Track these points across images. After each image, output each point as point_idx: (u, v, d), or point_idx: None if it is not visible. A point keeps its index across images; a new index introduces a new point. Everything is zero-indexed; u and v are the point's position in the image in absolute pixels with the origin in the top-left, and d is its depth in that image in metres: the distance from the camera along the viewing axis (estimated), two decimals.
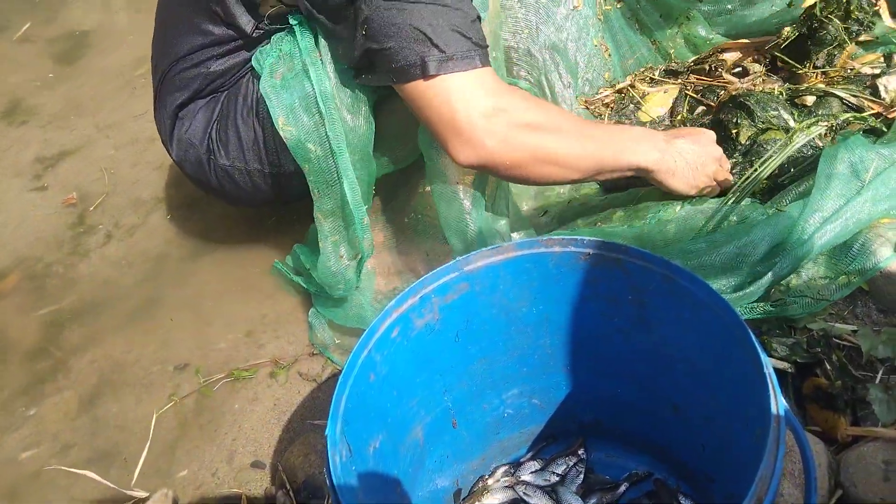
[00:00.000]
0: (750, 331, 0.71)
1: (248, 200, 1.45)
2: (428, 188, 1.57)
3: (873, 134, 1.34)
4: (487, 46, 1.08)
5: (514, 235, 1.32)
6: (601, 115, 1.62)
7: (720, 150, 1.26)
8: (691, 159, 1.20)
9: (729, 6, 1.71)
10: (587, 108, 1.63)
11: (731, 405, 0.80)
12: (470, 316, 0.92)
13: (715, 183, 1.26)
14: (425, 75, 1.02)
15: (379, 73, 1.08)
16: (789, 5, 1.61)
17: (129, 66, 2.43)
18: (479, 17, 1.09)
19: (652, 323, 0.87)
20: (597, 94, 1.66)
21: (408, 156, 1.37)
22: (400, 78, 1.05)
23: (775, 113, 1.34)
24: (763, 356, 0.70)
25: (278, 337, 1.48)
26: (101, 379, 1.48)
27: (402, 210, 1.49)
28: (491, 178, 1.26)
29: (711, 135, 1.27)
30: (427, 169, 1.23)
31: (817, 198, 1.17)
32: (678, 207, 1.22)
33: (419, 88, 1.04)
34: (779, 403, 0.67)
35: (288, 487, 1.19)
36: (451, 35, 1.01)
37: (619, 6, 1.71)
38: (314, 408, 1.33)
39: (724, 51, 1.71)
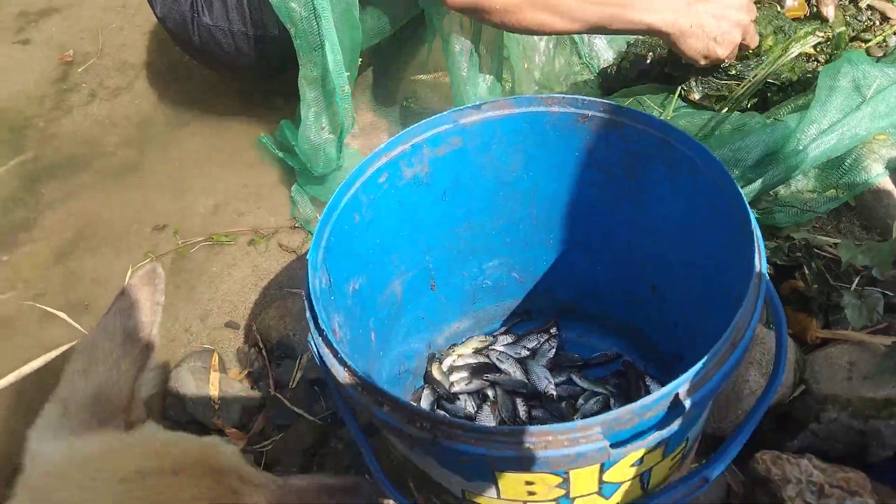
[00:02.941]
0: (741, 191, 0.71)
1: (231, 65, 1.40)
2: (427, 74, 1.55)
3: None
4: None
5: None
6: None
7: (746, 15, 1.16)
8: (710, 29, 1.12)
9: None
10: None
11: (712, 274, 0.80)
12: (459, 174, 0.90)
13: (733, 53, 1.19)
14: None
15: None
16: None
17: None
18: None
19: (645, 192, 0.86)
20: None
21: (395, 20, 1.32)
22: None
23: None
24: (751, 214, 0.69)
25: (259, 208, 1.46)
26: (77, 233, 1.46)
27: (393, 92, 1.46)
28: (493, 56, 1.23)
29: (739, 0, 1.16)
30: (428, 29, 1.19)
31: (816, 109, 1.16)
32: (671, 108, 1.20)
33: None
34: (762, 259, 0.67)
35: (261, 346, 1.20)
36: None
37: None
38: (293, 277, 1.33)
39: None
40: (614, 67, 1.49)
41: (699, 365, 0.57)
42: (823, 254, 1.13)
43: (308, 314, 0.68)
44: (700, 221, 0.80)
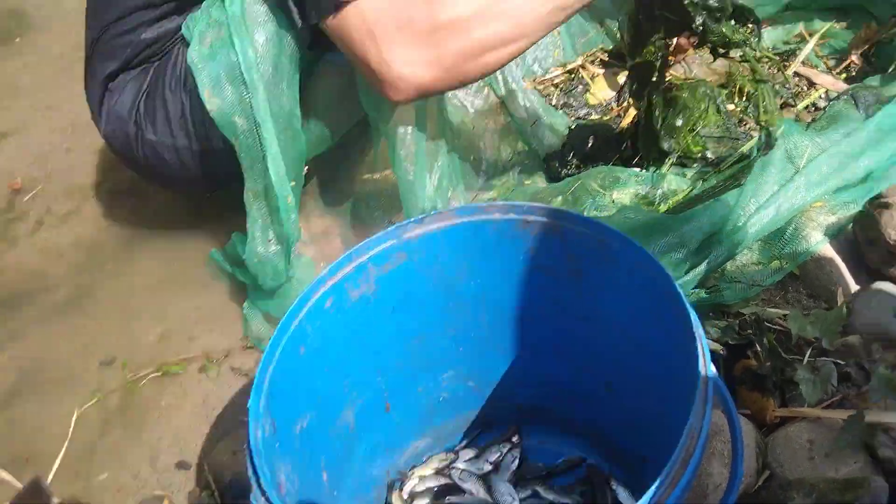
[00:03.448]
0: (681, 291, 0.72)
1: (178, 180, 1.40)
2: (375, 174, 1.57)
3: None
4: None
5: None
6: (550, 95, 1.64)
7: None
8: None
9: None
10: (536, 89, 1.64)
11: (662, 374, 0.80)
12: (408, 288, 0.90)
13: None
14: (328, 13, 0.98)
15: (307, 13, 1.04)
16: None
17: (70, 47, 2.33)
18: None
19: (589, 292, 0.86)
20: (546, 73, 1.67)
21: (338, 127, 1.33)
22: (315, 15, 1.01)
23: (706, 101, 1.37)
24: (693, 316, 0.70)
25: (211, 330, 1.43)
26: (20, 378, 1.40)
27: (343, 196, 1.47)
28: (439, 154, 1.25)
29: None
30: (373, 132, 1.20)
31: (752, 184, 1.19)
32: (613, 194, 1.23)
33: (332, 24, 1.00)
34: (707, 363, 0.67)
35: (213, 488, 1.14)
36: None
37: None
38: (246, 404, 1.29)
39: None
40: (559, 152, 1.53)
41: (651, 491, 0.56)
42: (774, 327, 1.14)
43: (250, 471, 0.66)
44: (644, 320, 0.80)
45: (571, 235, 0.83)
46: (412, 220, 0.85)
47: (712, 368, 0.69)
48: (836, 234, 1.22)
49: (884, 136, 1.24)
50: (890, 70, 1.47)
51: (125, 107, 1.31)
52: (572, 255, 0.85)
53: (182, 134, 1.29)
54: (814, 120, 1.35)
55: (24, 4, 2.67)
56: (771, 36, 1.67)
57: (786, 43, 1.67)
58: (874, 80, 1.45)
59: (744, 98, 1.46)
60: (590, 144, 1.41)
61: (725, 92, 1.43)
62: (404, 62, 0.97)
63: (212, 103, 1.16)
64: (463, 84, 1.07)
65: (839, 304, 1.15)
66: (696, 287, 1.18)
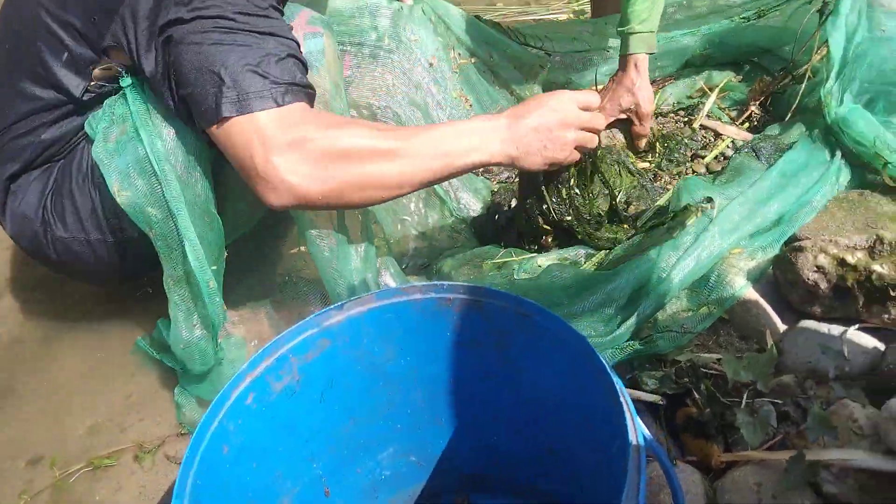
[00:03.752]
0: (604, 360, 0.72)
1: (94, 274, 1.36)
2: (301, 248, 1.54)
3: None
4: (296, 84, 1.03)
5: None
6: None
7: (575, 110, 1.15)
8: (542, 136, 1.12)
9: (578, 49, 1.80)
10: None
11: (597, 440, 0.80)
12: (333, 374, 0.88)
13: (575, 152, 1.18)
14: (220, 118, 0.98)
15: (194, 120, 1.05)
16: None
17: None
18: (292, 56, 1.05)
19: (516, 364, 0.86)
20: None
21: (256, 208, 1.32)
22: (203, 122, 1.02)
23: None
24: (618, 384, 0.70)
25: (143, 419, 1.37)
26: None
27: (269, 273, 1.44)
28: (361, 226, 1.24)
29: (562, 96, 1.15)
30: (296, 218, 1.19)
31: (669, 238, 1.22)
32: (538, 260, 1.24)
33: (220, 132, 1.00)
34: (637, 431, 0.67)
35: None
36: (246, 75, 0.99)
37: (473, 61, 1.77)
38: None
39: None
40: (483, 217, 1.54)
41: None
42: (711, 372, 1.16)
43: None
44: (571, 388, 0.80)
45: (493, 310, 0.83)
46: (332, 307, 0.84)
47: (645, 432, 0.69)
48: (758, 278, 1.26)
49: (788, 181, 1.30)
50: (786, 118, 1.55)
51: (31, 207, 1.27)
52: (495, 329, 0.84)
53: (94, 228, 1.25)
54: (721, 171, 1.40)
55: None
56: (674, 92, 1.75)
57: (689, 97, 1.75)
58: (774, 129, 1.52)
59: (656, 154, 1.51)
60: (511, 206, 1.43)
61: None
62: (292, 171, 0.98)
63: (122, 196, 1.14)
64: (342, 208, 1.10)
65: (769, 345, 1.17)
66: (629, 339, 1.19)
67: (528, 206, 1.32)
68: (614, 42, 1.80)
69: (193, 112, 1.03)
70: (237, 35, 1.00)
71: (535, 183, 1.31)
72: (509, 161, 1.12)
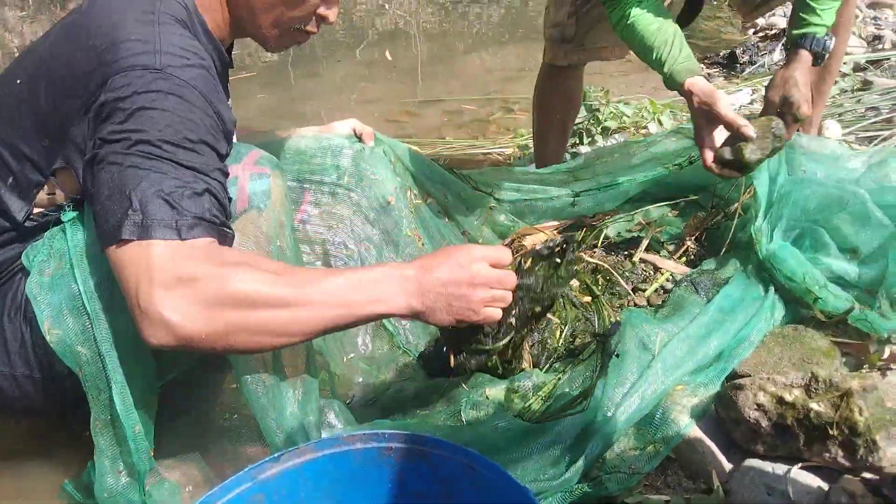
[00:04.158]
0: None
1: (19, 409, 1.29)
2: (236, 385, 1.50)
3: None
4: (205, 220, 1.01)
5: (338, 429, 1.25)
6: None
7: (484, 268, 1.08)
8: (449, 291, 1.06)
9: (525, 198, 1.89)
10: None
11: None
12: None
13: (488, 311, 1.10)
14: (119, 239, 0.96)
15: (101, 236, 1.02)
16: (572, 205, 1.82)
17: None
18: (209, 192, 1.03)
19: None
20: None
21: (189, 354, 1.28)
22: (104, 241, 1.00)
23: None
24: None
25: None
26: None
27: (208, 411, 1.39)
28: (302, 359, 1.21)
29: (471, 252, 1.09)
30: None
31: (613, 374, 1.24)
32: (487, 391, 1.24)
33: (115, 254, 0.98)
34: None
35: None
36: (156, 202, 0.97)
37: (429, 201, 1.83)
38: None
39: (525, 235, 1.85)
40: (430, 348, 1.54)
41: None
42: None
43: None
44: None
45: (438, 460, 0.81)
46: (268, 459, 0.81)
47: None
48: (701, 415, 1.26)
49: (726, 317, 1.34)
50: (722, 253, 1.62)
51: None
52: (442, 479, 0.82)
53: (22, 363, 1.21)
54: (662, 304, 1.44)
55: None
56: (615, 227, 1.83)
57: (629, 231, 1.83)
58: (710, 263, 1.59)
59: (598, 287, 1.56)
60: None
61: (578, 286, 1.52)
62: (174, 308, 0.94)
63: (52, 334, 1.11)
64: (227, 353, 1.06)
65: (715, 486, 1.17)
66: (578, 482, 1.17)
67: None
68: (556, 192, 1.91)
69: (97, 230, 1.01)
70: (157, 162, 1.00)
71: (449, 334, 1.22)
72: (413, 315, 1.07)
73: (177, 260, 0.95)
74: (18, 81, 1.17)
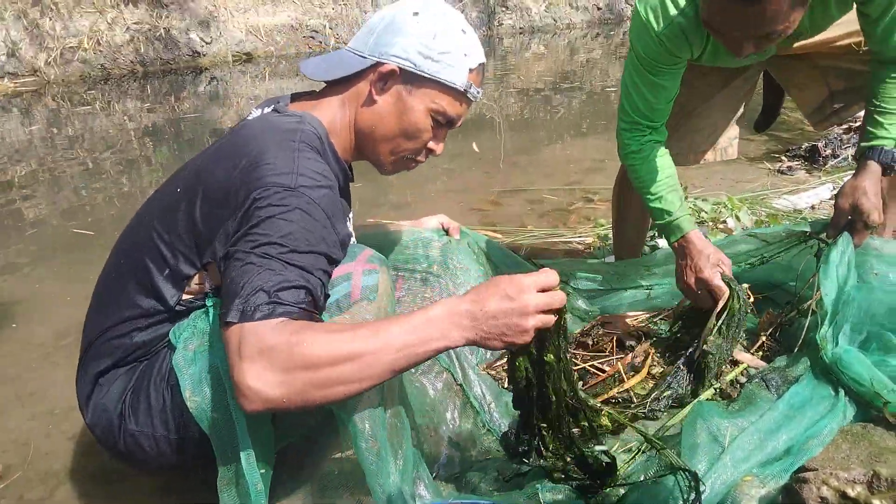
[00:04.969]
0: None
1: (154, 466, 1.47)
2: (343, 453, 1.66)
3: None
4: (293, 305, 1.17)
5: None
6: (501, 380, 1.80)
7: (533, 297, 1.17)
8: (502, 321, 1.17)
9: (600, 287, 2.02)
10: (489, 374, 1.81)
11: None
12: None
13: (531, 334, 1.20)
14: (225, 323, 1.16)
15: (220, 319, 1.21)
16: (648, 297, 1.93)
17: (52, 336, 2.51)
18: (305, 287, 1.19)
19: None
20: (496, 361, 1.86)
21: (306, 419, 1.46)
22: (220, 324, 1.19)
23: None
24: None
25: None
26: None
27: (313, 475, 1.54)
28: (401, 434, 1.36)
29: (520, 283, 1.17)
30: (338, 421, 1.30)
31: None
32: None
33: (223, 335, 1.17)
34: None
35: None
36: (257, 294, 1.16)
37: None
38: None
39: (605, 323, 1.97)
40: (512, 432, 1.66)
41: None
42: None
43: None
44: None
45: None
46: None
47: None
48: None
49: (796, 413, 1.41)
50: (795, 350, 1.69)
51: (112, 400, 1.43)
52: None
53: (161, 426, 1.40)
54: (734, 398, 1.52)
55: (13, 295, 2.89)
56: None
57: None
58: (782, 360, 1.66)
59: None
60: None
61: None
62: (257, 377, 1.11)
63: (192, 402, 1.31)
64: (309, 407, 1.19)
65: None
66: None
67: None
68: (632, 283, 2.03)
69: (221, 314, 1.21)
70: (271, 261, 1.19)
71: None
72: (471, 344, 1.20)
73: (260, 335, 1.13)
74: (178, 190, 1.41)
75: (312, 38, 8.99)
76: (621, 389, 1.70)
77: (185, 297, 1.39)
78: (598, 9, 11.84)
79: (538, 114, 5.92)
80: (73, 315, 2.53)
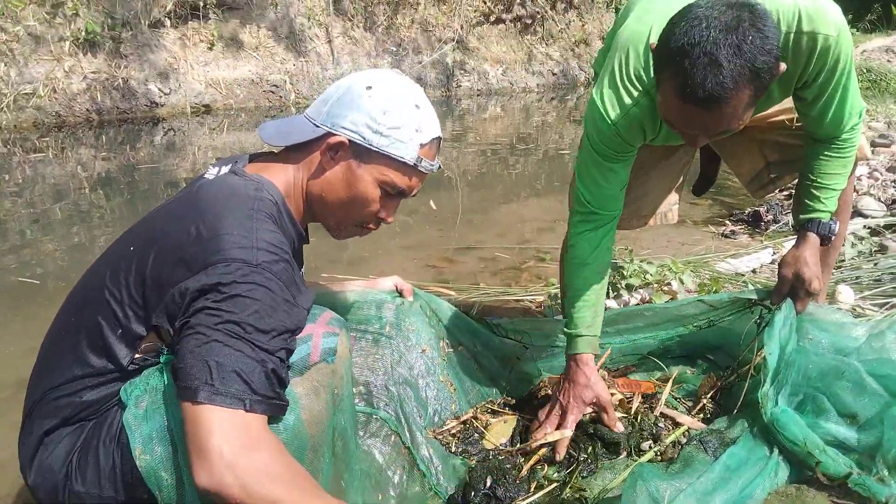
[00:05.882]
0: None
1: None
2: None
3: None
4: (269, 398, 1.22)
5: None
6: (449, 444, 1.81)
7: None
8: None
9: (550, 349, 2.06)
10: (436, 438, 1.82)
11: None
12: None
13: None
14: (193, 399, 1.17)
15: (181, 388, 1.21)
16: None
17: None
18: (275, 372, 1.23)
19: None
20: (444, 425, 1.87)
21: None
22: (181, 395, 1.20)
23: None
24: None
25: None
26: None
27: None
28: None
29: None
30: None
31: None
32: None
33: (187, 409, 1.18)
34: None
35: None
36: (231, 375, 1.18)
37: (459, 349, 2.01)
38: None
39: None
40: (460, 494, 1.67)
41: None
42: None
43: None
44: None
45: None
46: None
47: None
48: None
49: (731, 475, 1.46)
50: (734, 411, 1.75)
51: (58, 460, 1.39)
52: None
53: (109, 486, 1.37)
54: (672, 461, 1.56)
55: None
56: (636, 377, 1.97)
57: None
58: (721, 422, 1.71)
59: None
60: (487, 484, 1.56)
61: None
62: (233, 465, 1.13)
63: (142, 460, 1.29)
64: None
65: None
66: None
67: None
68: None
69: (177, 384, 1.22)
70: (238, 341, 1.21)
71: None
72: None
73: (241, 431, 1.16)
74: (132, 249, 1.41)
75: (273, 92, 9.07)
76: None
77: (137, 356, 1.38)
78: (553, 74, 12.26)
79: (494, 173, 6.06)
80: (11, 368, 2.46)
